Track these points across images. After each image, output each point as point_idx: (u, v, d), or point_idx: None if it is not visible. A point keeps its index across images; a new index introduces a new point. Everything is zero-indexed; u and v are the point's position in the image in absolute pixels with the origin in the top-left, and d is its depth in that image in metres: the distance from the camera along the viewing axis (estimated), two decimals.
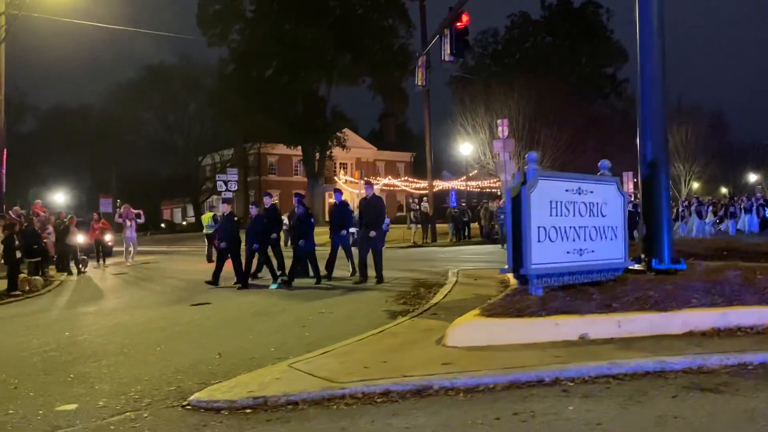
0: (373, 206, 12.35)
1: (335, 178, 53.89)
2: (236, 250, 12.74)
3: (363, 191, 13.20)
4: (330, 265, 12.89)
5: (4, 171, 19.36)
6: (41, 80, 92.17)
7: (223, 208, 14.21)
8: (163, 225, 59.36)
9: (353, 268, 13.11)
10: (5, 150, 18.97)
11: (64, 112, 59.56)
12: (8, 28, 18.81)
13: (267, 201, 13.24)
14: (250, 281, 12.48)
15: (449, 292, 9.90)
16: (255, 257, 12.88)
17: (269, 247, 12.80)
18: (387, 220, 26.43)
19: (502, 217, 21.32)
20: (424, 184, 44.22)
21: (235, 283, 12.30)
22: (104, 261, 19.44)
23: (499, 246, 21.23)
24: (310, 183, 49.23)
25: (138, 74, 57.31)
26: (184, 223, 59.93)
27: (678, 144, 41.86)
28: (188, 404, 4.77)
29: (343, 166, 57.13)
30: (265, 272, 12.89)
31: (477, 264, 15.21)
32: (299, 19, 43.19)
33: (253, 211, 13.82)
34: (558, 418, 4.21)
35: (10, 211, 17.19)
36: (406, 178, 54.95)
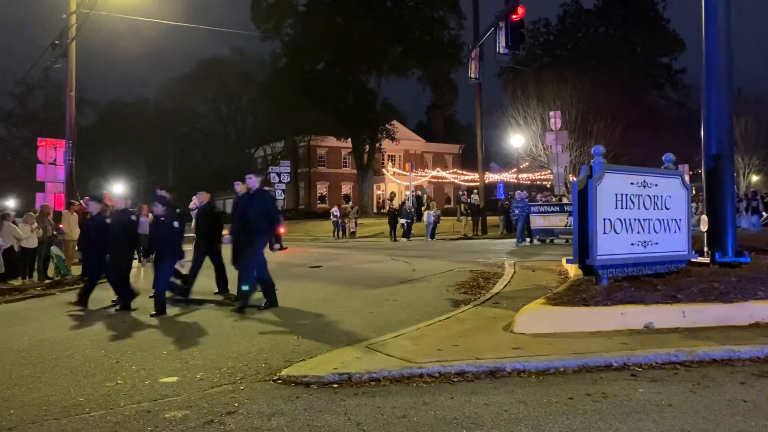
0: (259, 203, 9.23)
1: (383, 170, 54.32)
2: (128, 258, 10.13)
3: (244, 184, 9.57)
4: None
5: (74, 162, 20.59)
6: (100, 75, 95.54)
7: (119, 205, 10.41)
8: None
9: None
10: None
11: (122, 106, 61.71)
12: (79, 26, 19.78)
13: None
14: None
15: (509, 282, 10.14)
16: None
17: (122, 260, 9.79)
18: (433, 214, 26.48)
19: (516, 212, 21.17)
20: (472, 176, 44.21)
21: (110, 305, 9.80)
22: None
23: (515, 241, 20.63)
24: (359, 175, 49.82)
25: (193, 68, 58.96)
26: None
27: (736, 136, 40.61)
28: (279, 379, 5.19)
29: (391, 158, 57.46)
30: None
31: (531, 257, 15.31)
32: (350, 12, 43.72)
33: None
34: (629, 399, 4.44)
35: (82, 201, 18.11)
36: (454, 170, 54.90)
